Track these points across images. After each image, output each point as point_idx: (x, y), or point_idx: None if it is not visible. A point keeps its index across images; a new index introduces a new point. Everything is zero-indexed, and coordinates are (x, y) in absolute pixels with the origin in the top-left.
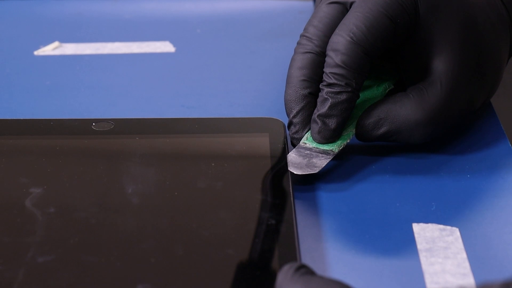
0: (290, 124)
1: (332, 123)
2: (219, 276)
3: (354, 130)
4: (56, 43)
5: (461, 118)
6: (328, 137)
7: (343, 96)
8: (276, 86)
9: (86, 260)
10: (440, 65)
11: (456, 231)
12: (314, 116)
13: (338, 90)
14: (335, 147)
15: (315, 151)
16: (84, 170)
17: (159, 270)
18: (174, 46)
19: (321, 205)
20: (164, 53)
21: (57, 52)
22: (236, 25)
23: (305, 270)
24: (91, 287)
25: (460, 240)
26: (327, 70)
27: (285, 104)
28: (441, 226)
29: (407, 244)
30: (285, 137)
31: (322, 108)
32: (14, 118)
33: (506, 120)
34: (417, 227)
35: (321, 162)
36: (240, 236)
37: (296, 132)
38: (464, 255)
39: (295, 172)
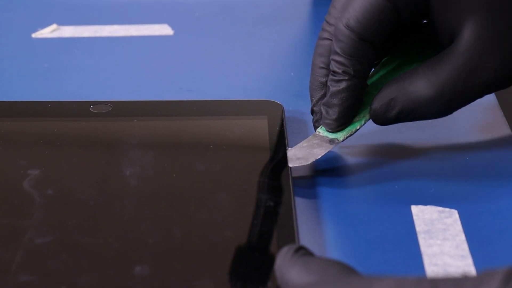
0: (312, 112)
1: (333, 112)
2: (217, 258)
3: (368, 115)
4: (54, 26)
5: (492, 87)
6: (332, 127)
7: (342, 85)
8: (275, 69)
9: (84, 242)
10: (465, 32)
11: (454, 213)
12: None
13: (337, 78)
14: (340, 136)
15: (324, 140)
16: (82, 152)
17: (157, 252)
18: (173, 29)
19: (319, 188)
20: (163, 36)
21: (55, 34)
22: (235, 8)
23: (303, 252)
24: (89, 268)
25: (458, 222)
26: (331, 57)
27: (309, 92)
28: (440, 208)
29: (406, 226)
30: (283, 120)
31: (326, 96)
32: (12, 100)
33: (505, 104)
34: (415, 209)
35: (320, 152)
36: (239, 218)
37: (317, 120)
38: (463, 237)
39: (290, 165)
